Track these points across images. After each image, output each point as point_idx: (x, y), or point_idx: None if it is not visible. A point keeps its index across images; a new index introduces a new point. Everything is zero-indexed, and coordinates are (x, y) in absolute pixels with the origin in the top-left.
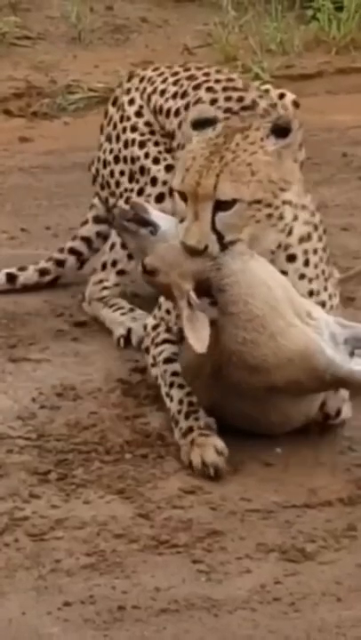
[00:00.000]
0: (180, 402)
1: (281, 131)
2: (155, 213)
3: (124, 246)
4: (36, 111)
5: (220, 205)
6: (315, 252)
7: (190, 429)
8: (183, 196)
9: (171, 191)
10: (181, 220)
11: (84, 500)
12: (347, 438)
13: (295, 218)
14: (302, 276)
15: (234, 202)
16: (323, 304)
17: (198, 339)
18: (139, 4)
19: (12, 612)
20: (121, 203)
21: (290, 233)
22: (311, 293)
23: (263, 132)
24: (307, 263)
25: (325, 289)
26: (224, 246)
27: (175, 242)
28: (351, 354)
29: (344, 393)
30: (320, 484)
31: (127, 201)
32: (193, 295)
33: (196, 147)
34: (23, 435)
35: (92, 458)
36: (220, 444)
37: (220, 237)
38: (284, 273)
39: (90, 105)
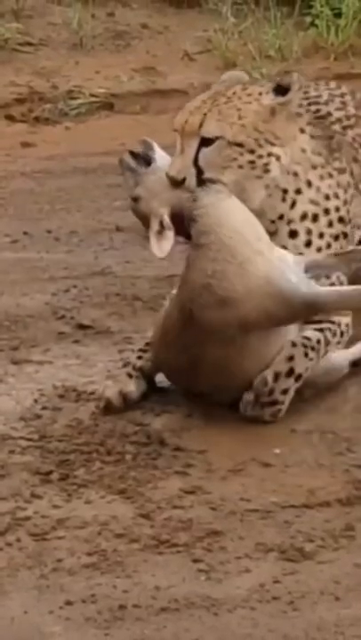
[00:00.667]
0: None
1: (282, 90)
2: (157, 151)
3: None
4: (38, 116)
5: (204, 142)
6: (320, 235)
7: (126, 364)
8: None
9: None
10: None
11: (86, 500)
12: (345, 439)
13: (298, 191)
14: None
15: (216, 139)
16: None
17: (160, 246)
18: (139, 11)
19: (15, 610)
20: None
21: (292, 206)
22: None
23: (265, 88)
24: (308, 244)
25: (327, 277)
26: (202, 182)
27: (161, 175)
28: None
29: None
30: (319, 485)
31: None
32: (166, 218)
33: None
34: (25, 435)
35: (94, 458)
36: (130, 387)
37: (199, 172)
38: (284, 248)
39: (91, 110)
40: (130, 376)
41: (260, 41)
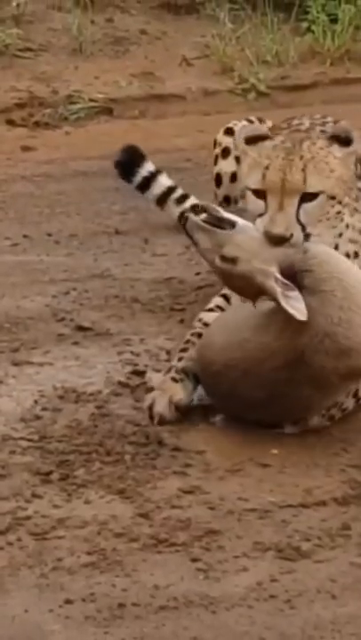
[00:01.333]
0: (187, 341)
1: (341, 140)
2: (225, 213)
3: None
4: (38, 121)
5: (306, 197)
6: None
7: (169, 370)
8: (261, 194)
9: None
10: (260, 215)
11: (85, 500)
12: (341, 440)
13: (340, 235)
14: None
15: (319, 193)
16: None
17: (298, 309)
18: (138, 17)
19: (15, 609)
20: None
21: (336, 247)
22: None
23: (325, 141)
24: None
25: None
26: (306, 237)
27: (254, 234)
28: None
29: None
30: (315, 485)
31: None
32: (279, 276)
33: (265, 152)
34: (26, 436)
35: (93, 459)
36: (179, 394)
37: (302, 228)
38: None
39: (90, 115)
40: (175, 380)
41: (257, 46)
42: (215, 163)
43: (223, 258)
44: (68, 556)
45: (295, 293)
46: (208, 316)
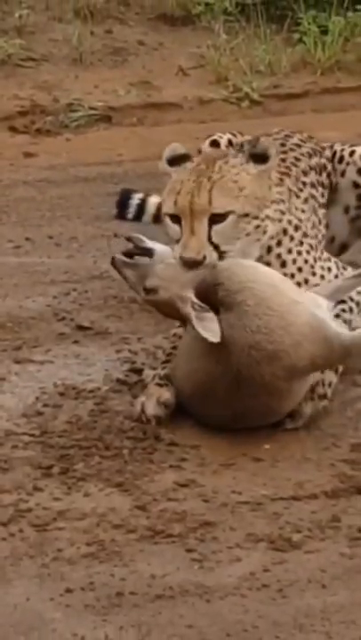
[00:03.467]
0: (168, 354)
1: (258, 157)
2: (148, 241)
3: None
4: (40, 128)
5: (215, 219)
6: (289, 251)
7: (153, 377)
8: (175, 219)
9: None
10: (177, 241)
11: (85, 493)
12: (331, 435)
13: (265, 230)
14: (284, 276)
15: (227, 214)
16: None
17: (211, 331)
18: (136, 28)
19: (17, 597)
20: None
21: (261, 246)
22: (299, 285)
23: (242, 158)
24: (284, 264)
25: (314, 274)
26: (220, 256)
27: (170, 261)
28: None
29: None
30: (306, 478)
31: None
32: (195, 299)
33: (180, 176)
34: (27, 431)
35: (92, 453)
36: (165, 395)
37: (215, 248)
38: None
39: (90, 122)
40: (160, 385)
41: (250, 56)
42: None
43: (145, 289)
44: (68, 546)
45: (210, 315)
46: (180, 330)
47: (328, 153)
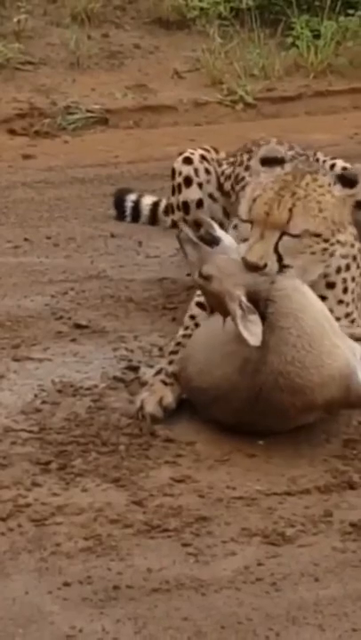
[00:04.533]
0: (177, 343)
1: (346, 181)
2: (218, 230)
3: None
4: (38, 130)
5: (287, 233)
6: (353, 279)
7: (159, 371)
8: (248, 222)
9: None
10: (244, 240)
11: (82, 488)
12: (324, 432)
13: (332, 254)
14: (340, 302)
15: (300, 233)
16: (353, 321)
17: (253, 334)
18: (132, 32)
19: (16, 591)
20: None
21: (328, 265)
22: (348, 315)
23: (330, 178)
24: (345, 290)
25: (357, 308)
26: (281, 268)
27: (234, 256)
28: None
29: None
30: (299, 474)
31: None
32: (244, 299)
33: (264, 180)
34: (26, 428)
35: (90, 449)
36: (168, 399)
37: (279, 259)
38: (324, 298)
39: (87, 125)
40: (165, 384)
41: (244, 60)
42: (179, 191)
43: (200, 274)
44: (65, 541)
45: (255, 317)
46: (197, 311)
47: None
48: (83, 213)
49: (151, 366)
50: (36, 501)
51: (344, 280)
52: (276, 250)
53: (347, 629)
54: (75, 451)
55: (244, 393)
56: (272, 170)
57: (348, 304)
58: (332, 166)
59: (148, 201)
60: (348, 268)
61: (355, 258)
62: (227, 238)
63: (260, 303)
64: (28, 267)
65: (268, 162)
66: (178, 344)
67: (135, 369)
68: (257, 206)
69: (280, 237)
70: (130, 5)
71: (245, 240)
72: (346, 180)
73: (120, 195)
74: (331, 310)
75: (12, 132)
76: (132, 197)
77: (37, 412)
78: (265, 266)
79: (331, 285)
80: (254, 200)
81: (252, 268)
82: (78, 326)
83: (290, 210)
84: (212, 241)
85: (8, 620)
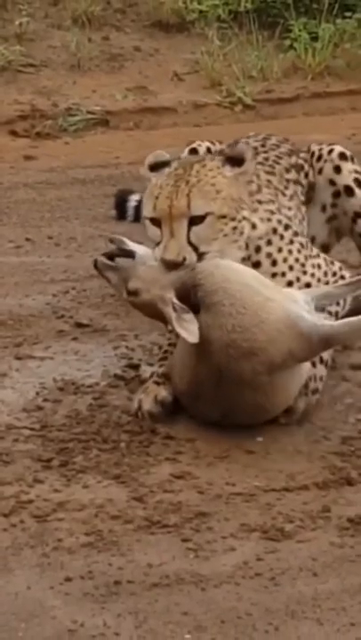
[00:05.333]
0: (164, 351)
1: (234, 161)
2: (130, 243)
3: None
4: (40, 132)
5: (194, 220)
6: (279, 250)
7: (152, 375)
8: (156, 222)
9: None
10: (157, 244)
11: (84, 485)
12: (322, 428)
13: (248, 236)
14: (274, 275)
15: (205, 215)
16: (308, 285)
17: (190, 332)
18: (132, 35)
19: (18, 586)
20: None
21: (246, 247)
22: (291, 283)
23: (219, 162)
24: (274, 263)
25: (305, 272)
26: (199, 257)
27: (151, 263)
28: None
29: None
30: (298, 470)
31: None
32: (176, 300)
33: (158, 180)
34: (28, 425)
35: (91, 446)
36: (162, 393)
37: (194, 249)
38: None
39: (88, 126)
40: (158, 384)
41: (243, 62)
42: None
43: (127, 291)
44: (67, 536)
45: (189, 316)
46: None
47: (304, 155)
48: (84, 214)
49: (151, 364)
50: (38, 498)
51: (268, 255)
52: (189, 241)
53: (345, 623)
54: (76, 448)
55: (211, 380)
56: (161, 172)
57: (284, 273)
58: (330, 151)
59: None
60: (269, 242)
61: (275, 230)
62: (140, 249)
63: (190, 294)
64: (30, 266)
65: (157, 167)
66: (165, 351)
67: (136, 367)
68: (160, 202)
69: (189, 228)
70: (130, 8)
71: (158, 243)
72: (234, 160)
73: (122, 195)
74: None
75: (14, 133)
76: (135, 197)
77: (39, 409)
78: (184, 260)
79: (257, 264)
80: (157, 197)
81: (172, 266)
82: (79, 325)
83: (187, 195)
84: (128, 255)
85: (10, 614)
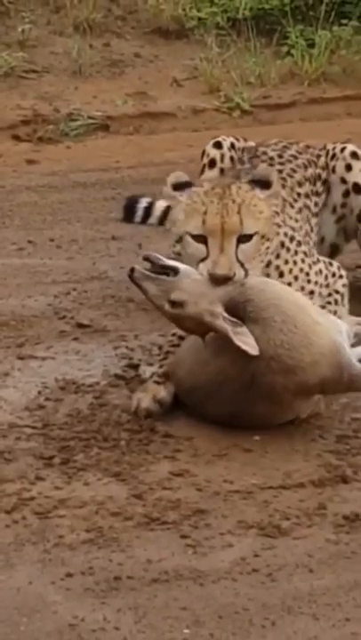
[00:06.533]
0: (166, 352)
1: (262, 183)
2: (168, 260)
3: None
4: (42, 136)
5: (242, 239)
6: (286, 262)
7: (152, 375)
8: (200, 239)
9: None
10: (202, 260)
11: (84, 482)
12: (318, 427)
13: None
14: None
15: (253, 235)
16: (312, 292)
17: (250, 345)
18: (133, 42)
19: (20, 581)
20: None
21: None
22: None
23: (246, 183)
24: (281, 274)
25: (309, 281)
26: (246, 274)
27: (197, 277)
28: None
29: None
30: (294, 468)
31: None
32: (226, 314)
33: (198, 198)
34: (30, 424)
35: (92, 444)
36: (161, 393)
37: (242, 266)
38: None
39: (89, 131)
40: (158, 383)
41: (241, 68)
42: (202, 172)
43: (172, 303)
44: (68, 533)
45: (243, 329)
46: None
47: (323, 160)
48: (85, 216)
49: (151, 364)
50: (40, 495)
51: (277, 267)
52: (237, 258)
53: (340, 619)
54: (77, 446)
55: (236, 383)
56: (190, 191)
57: (290, 283)
58: (343, 149)
59: (162, 204)
60: (278, 256)
61: (283, 244)
62: (180, 265)
63: (238, 309)
64: (32, 268)
65: (180, 187)
66: (166, 352)
67: (136, 367)
68: (209, 218)
69: (237, 245)
70: (130, 15)
71: (203, 259)
72: (262, 183)
73: (133, 199)
74: None
75: (17, 137)
76: (146, 199)
77: (41, 408)
78: (234, 275)
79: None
80: (205, 212)
81: (222, 281)
82: (80, 325)
83: (238, 213)
84: (171, 270)
85: (13, 609)
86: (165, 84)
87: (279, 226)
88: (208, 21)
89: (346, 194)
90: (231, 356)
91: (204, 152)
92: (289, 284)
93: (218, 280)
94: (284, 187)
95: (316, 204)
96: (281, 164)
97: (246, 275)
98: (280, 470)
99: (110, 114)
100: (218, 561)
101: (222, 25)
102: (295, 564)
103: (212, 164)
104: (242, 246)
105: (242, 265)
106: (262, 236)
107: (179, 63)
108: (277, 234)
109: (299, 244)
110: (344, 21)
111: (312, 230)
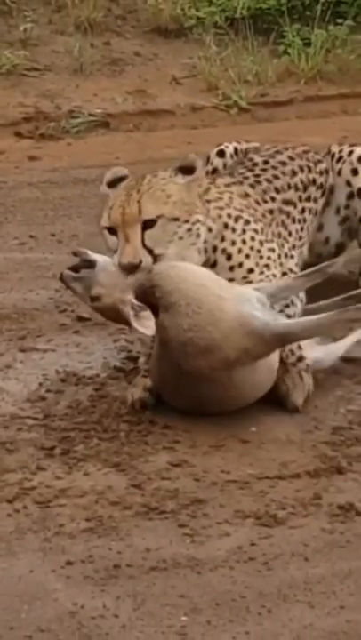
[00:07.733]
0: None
1: (186, 169)
2: (91, 254)
3: None
4: (43, 133)
5: (147, 224)
6: (233, 243)
7: (140, 370)
8: (112, 231)
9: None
10: (115, 251)
11: (85, 472)
12: (313, 419)
13: (205, 240)
14: (232, 267)
15: (157, 219)
16: (267, 267)
17: (146, 327)
18: (133, 40)
19: (21, 569)
20: None
21: (205, 252)
22: (251, 270)
23: (171, 171)
24: (229, 257)
25: (261, 257)
26: (155, 260)
27: (110, 269)
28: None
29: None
30: (290, 459)
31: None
32: (135, 301)
33: (115, 194)
34: (31, 415)
35: (92, 435)
36: (149, 383)
37: (150, 252)
38: (218, 274)
39: (90, 128)
40: (145, 377)
41: (239, 67)
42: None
43: (91, 298)
44: (68, 522)
45: (147, 313)
46: None
47: (323, 166)
48: (85, 212)
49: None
50: (41, 484)
51: (223, 250)
52: (144, 245)
53: (335, 606)
54: (77, 437)
55: (172, 375)
56: (118, 187)
57: (241, 263)
58: (350, 153)
59: None
60: (222, 239)
61: (226, 225)
62: (101, 257)
63: (149, 296)
64: (34, 262)
65: (114, 183)
66: (151, 348)
67: (135, 359)
68: (113, 212)
69: (143, 232)
70: (130, 15)
71: (115, 250)
72: (186, 169)
73: None
74: (231, 280)
75: (19, 134)
76: None
77: (42, 400)
78: (140, 262)
79: (214, 264)
80: (111, 207)
81: (130, 269)
82: (81, 319)
83: (138, 202)
84: (90, 265)
85: (14, 596)
86: (165, 83)
87: (221, 208)
88: (206, 21)
89: (350, 196)
90: (162, 352)
91: (208, 158)
92: (240, 265)
93: (126, 268)
94: (253, 187)
95: (303, 211)
96: (263, 170)
97: (156, 260)
98: (276, 461)
99: (110, 111)
100: (215, 550)
101: (220, 24)
102: (291, 552)
103: (214, 173)
104: (148, 232)
105: (150, 251)
106: (174, 219)
107: (178, 62)
108: (220, 216)
109: (247, 222)
110: (340, 21)
111: (290, 235)
